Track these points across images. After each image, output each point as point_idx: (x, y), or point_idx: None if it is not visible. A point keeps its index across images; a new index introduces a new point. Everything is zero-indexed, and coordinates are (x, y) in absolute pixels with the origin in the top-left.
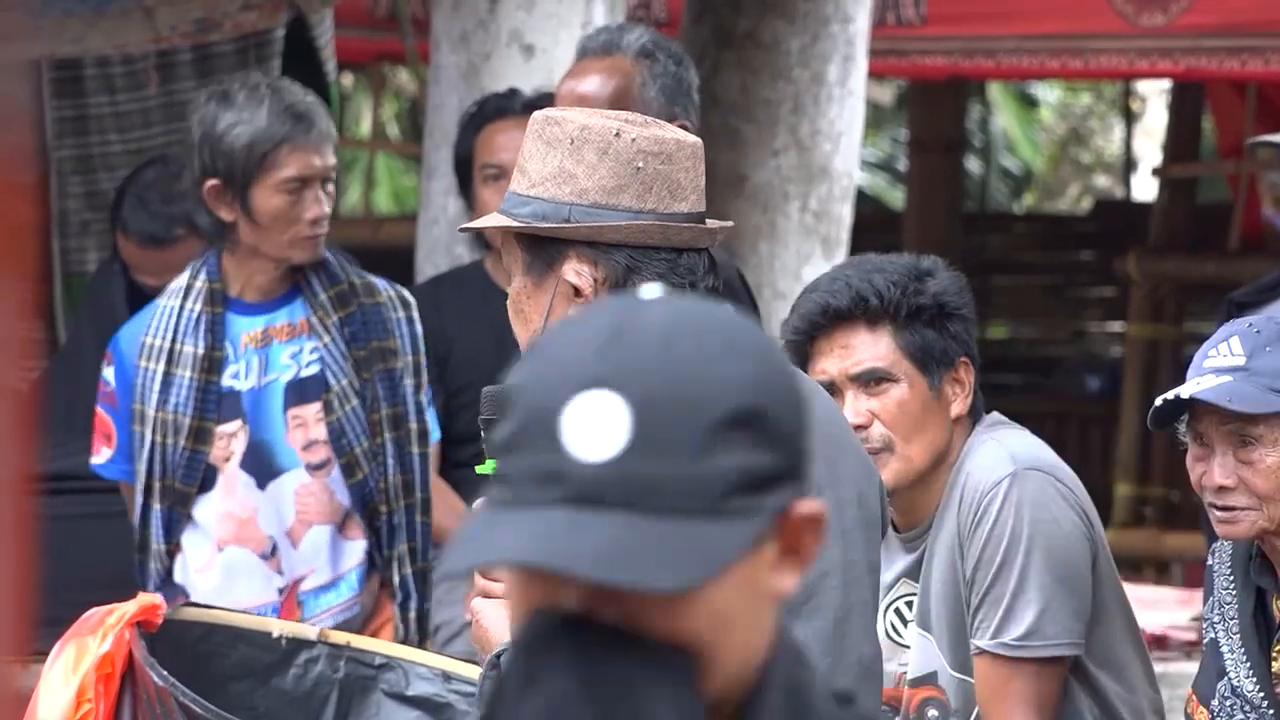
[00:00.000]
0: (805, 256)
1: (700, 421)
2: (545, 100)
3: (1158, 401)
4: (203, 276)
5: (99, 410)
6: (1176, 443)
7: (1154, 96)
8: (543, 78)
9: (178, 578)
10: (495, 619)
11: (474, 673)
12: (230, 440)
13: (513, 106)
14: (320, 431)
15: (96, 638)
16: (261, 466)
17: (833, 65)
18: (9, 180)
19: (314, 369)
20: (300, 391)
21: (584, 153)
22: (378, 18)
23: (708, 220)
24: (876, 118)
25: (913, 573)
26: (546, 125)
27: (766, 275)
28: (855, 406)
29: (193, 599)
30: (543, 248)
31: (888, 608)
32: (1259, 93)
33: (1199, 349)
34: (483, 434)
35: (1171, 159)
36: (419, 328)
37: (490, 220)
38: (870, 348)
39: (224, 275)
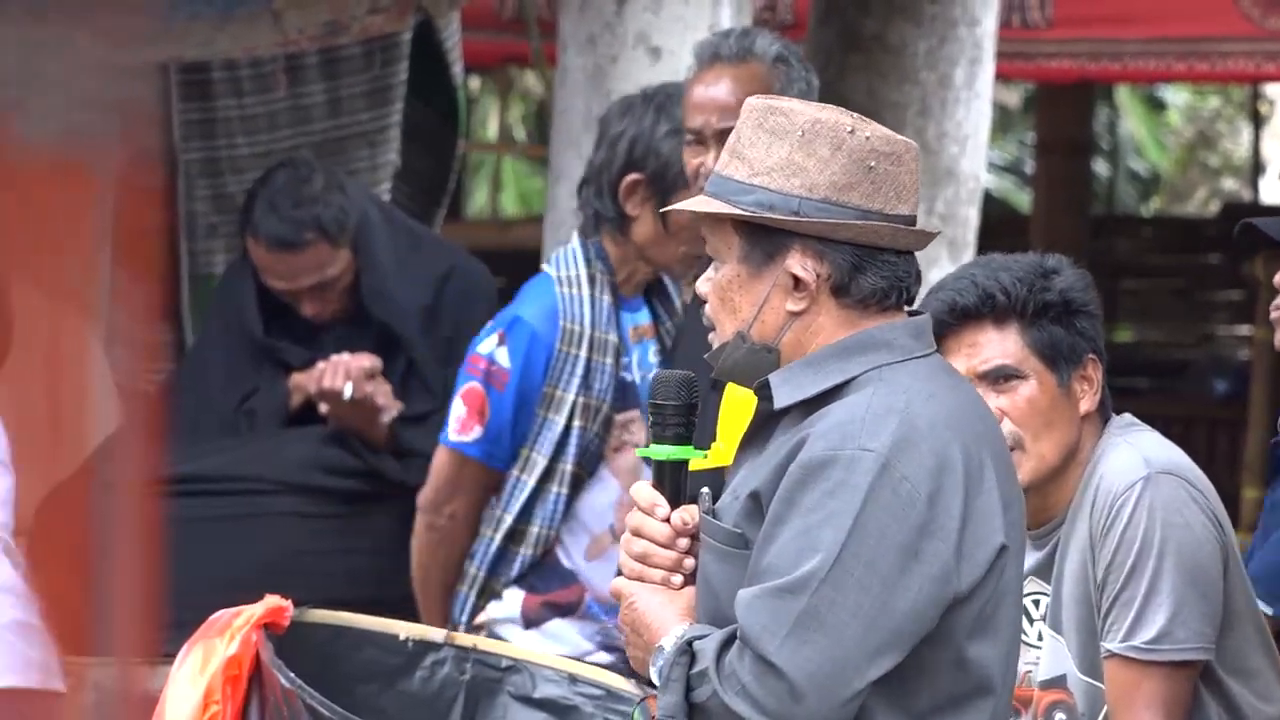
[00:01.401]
0: (932, 259)
1: None
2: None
3: None
4: (600, 267)
5: (474, 386)
6: None
7: None
8: (669, 80)
9: (566, 564)
10: (652, 603)
11: (600, 675)
12: (623, 430)
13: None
14: None
15: (224, 639)
16: None
17: (960, 68)
18: (138, 183)
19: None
20: None
21: (816, 146)
22: (505, 20)
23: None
24: (1003, 120)
25: (1041, 571)
26: (769, 115)
27: None
28: None
29: (591, 587)
30: (765, 238)
31: None
32: None
33: None
34: (649, 417)
35: None
36: None
37: (709, 205)
38: (998, 345)
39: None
